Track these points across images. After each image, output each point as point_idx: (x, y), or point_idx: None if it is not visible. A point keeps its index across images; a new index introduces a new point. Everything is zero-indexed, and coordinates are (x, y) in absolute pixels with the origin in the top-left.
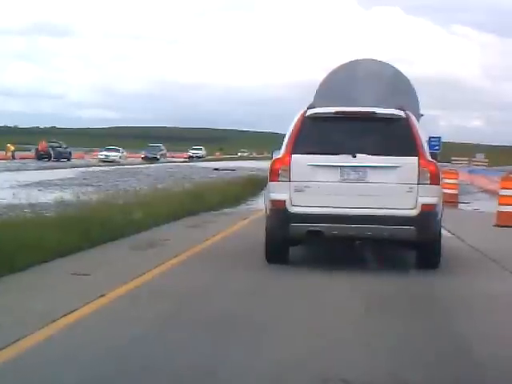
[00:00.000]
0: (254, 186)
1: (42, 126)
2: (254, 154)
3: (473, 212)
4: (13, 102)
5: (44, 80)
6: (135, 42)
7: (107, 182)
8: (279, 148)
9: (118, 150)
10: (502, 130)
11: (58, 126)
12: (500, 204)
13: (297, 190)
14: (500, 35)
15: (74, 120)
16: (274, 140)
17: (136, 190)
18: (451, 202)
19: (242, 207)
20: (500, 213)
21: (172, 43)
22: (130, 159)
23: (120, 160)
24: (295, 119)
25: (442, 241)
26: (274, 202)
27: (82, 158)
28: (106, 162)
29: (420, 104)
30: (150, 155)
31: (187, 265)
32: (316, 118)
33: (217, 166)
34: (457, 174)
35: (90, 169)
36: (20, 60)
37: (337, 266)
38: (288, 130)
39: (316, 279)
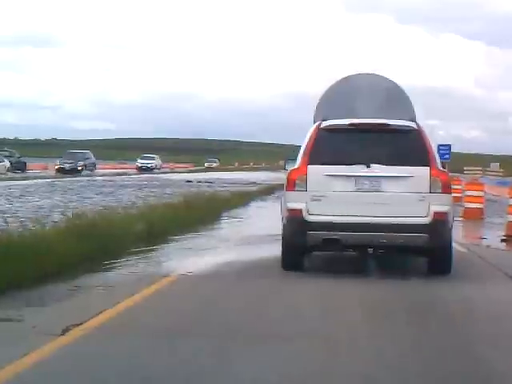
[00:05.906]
0: (207, 212)
1: (42, 139)
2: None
3: None
4: (8, 114)
5: (37, 91)
6: (122, 52)
7: None
8: (291, 158)
9: None
10: (503, 140)
11: (58, 138)
12: None
13: (313, 199)
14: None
15: (72, 131)
16: (275, 151)
17: None
18: None
19: (130, 270)
20: None
21: (164, 53)
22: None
23: None
24: (310, 131)
25: None
26: (291, 211)
27: (45, 168)
28: None
29: (416, 115)
30: (68, 166)
31: None
32: (331, 130)
33: (191, 178)
34: None
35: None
36: (7, 70)
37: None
38: (303, 141)
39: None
